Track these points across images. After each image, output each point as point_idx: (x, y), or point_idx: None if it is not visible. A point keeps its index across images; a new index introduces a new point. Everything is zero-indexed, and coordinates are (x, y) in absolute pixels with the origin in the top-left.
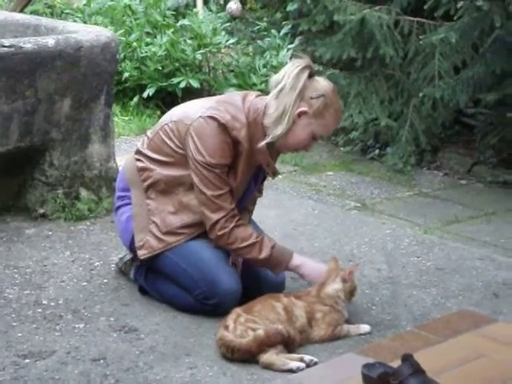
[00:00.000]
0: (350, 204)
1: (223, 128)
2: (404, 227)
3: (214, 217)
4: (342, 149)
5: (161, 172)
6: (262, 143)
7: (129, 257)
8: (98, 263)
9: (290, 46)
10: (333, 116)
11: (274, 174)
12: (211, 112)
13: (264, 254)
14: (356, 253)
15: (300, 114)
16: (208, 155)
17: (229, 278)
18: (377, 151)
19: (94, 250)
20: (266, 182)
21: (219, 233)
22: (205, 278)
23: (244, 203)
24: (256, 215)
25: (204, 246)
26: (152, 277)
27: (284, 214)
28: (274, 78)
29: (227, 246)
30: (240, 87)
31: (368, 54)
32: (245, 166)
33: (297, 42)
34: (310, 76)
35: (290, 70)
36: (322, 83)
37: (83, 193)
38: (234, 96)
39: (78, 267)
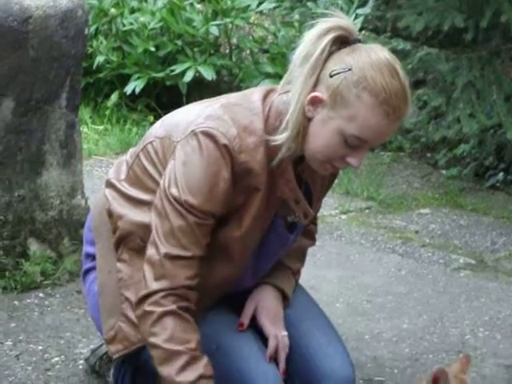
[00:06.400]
0: (458, 261)
1: (223, 152)
2: None
3: (153, 285)
4: (443, 172)
5: (132, 219)
6: (276, 159)
7: (106, 349)
8: (56, 359)
9: (359, 11)
10: (367, 103)
11: (307, 216)
12: (208, 124)
13: (183, 378)
14: (469, 340)
15: (313, 103)
16: (188, 191)
17: (266, 382)
18: (501, 176)
19: (51, 337)
20: (321, 225)
21: (147, 308)
22: (229, 380)
23: (268, 261)
24: (306, 278)
25: (222, 326)
26: (142, 380)
27: (351, 276)
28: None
29: (145, 334)
30: (279, 78)
31: (483, 23)
32: (261, 208)
33: (370, 3)
34: (348, 44)
35: (308, 38)
36: (363, 53)
37: (33, 246)
38: (250, 94)
39: (26, 366)
